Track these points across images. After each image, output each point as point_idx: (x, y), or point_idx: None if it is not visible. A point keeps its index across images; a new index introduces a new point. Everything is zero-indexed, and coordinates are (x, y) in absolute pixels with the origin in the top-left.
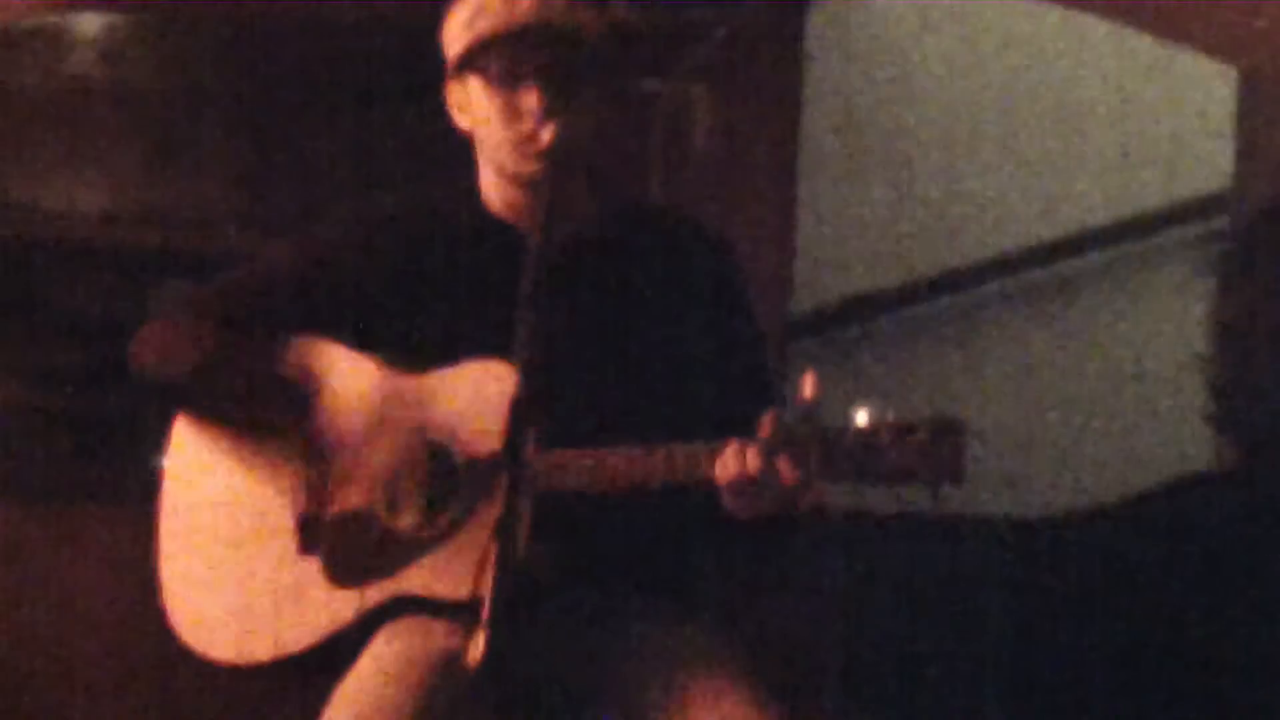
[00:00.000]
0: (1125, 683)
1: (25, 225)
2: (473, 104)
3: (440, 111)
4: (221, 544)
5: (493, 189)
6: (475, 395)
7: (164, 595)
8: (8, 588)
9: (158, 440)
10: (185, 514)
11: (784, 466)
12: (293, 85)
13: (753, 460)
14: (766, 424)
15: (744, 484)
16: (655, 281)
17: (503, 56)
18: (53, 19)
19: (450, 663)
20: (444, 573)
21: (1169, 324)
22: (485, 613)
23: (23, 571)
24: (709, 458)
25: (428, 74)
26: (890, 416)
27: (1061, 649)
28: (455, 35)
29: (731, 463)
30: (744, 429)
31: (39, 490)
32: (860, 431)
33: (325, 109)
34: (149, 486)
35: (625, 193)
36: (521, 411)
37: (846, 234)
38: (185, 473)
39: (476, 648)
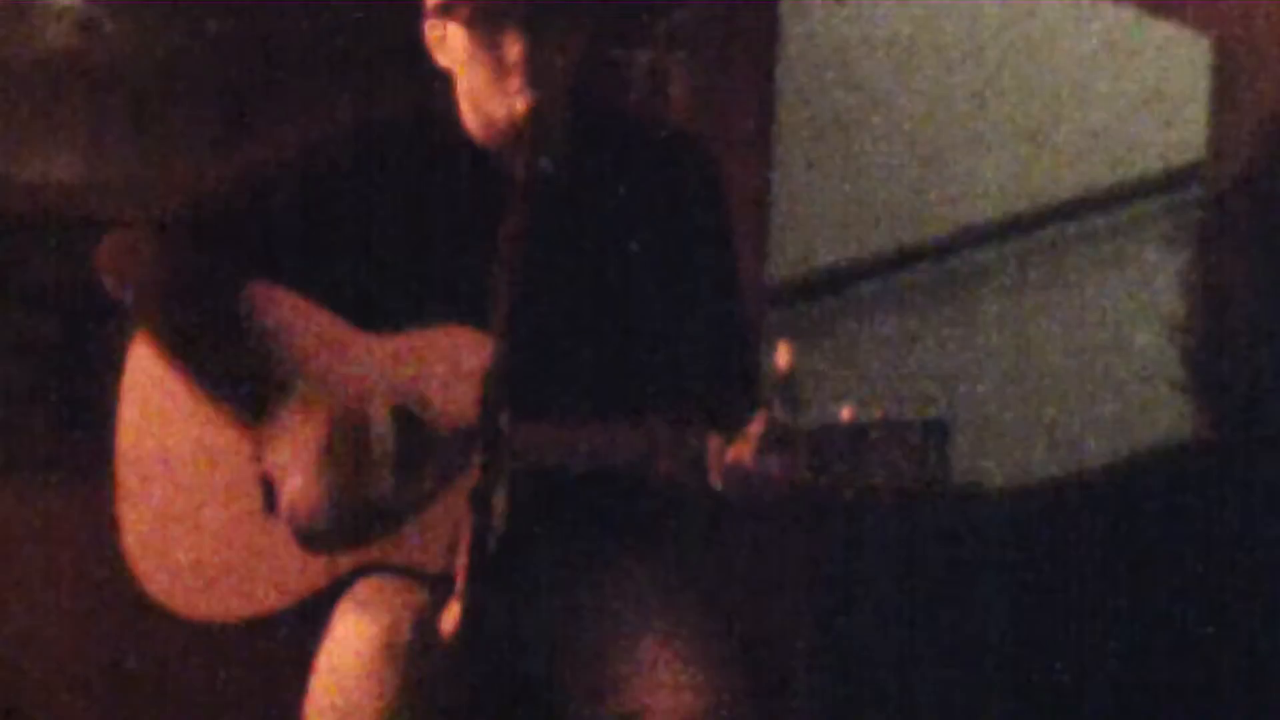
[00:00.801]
0: (1109, 651)
1: (2, 197)
2: (452, 46)
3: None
4: (187, 496)
5: (472, 120)
6: (448, 363)
7: (128, 546)
8: None
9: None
10: (147, 462)
11: (774, 465)
12: (272, 56)
13: (745, 459)
14: (757, 423)
15: (736, 480)
16: (633, 228)
17: (486, 4)
18: None
19: (425, 627)
20: (420, 544)
21: (1144, 294)
22: (460, 585)
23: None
24: (695, 445)
25: (412, 41)
26: (878, 414)
27: (1042, 614)
28: None
29: (723, 460)
30: (717, 383)
31: (15, 464)
32: (849, 430)
33: (305, 80)
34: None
35: (601, 102)
36: (496, 383)
37: (823, 203)
38: (144, 416)
39: (451, 619)
